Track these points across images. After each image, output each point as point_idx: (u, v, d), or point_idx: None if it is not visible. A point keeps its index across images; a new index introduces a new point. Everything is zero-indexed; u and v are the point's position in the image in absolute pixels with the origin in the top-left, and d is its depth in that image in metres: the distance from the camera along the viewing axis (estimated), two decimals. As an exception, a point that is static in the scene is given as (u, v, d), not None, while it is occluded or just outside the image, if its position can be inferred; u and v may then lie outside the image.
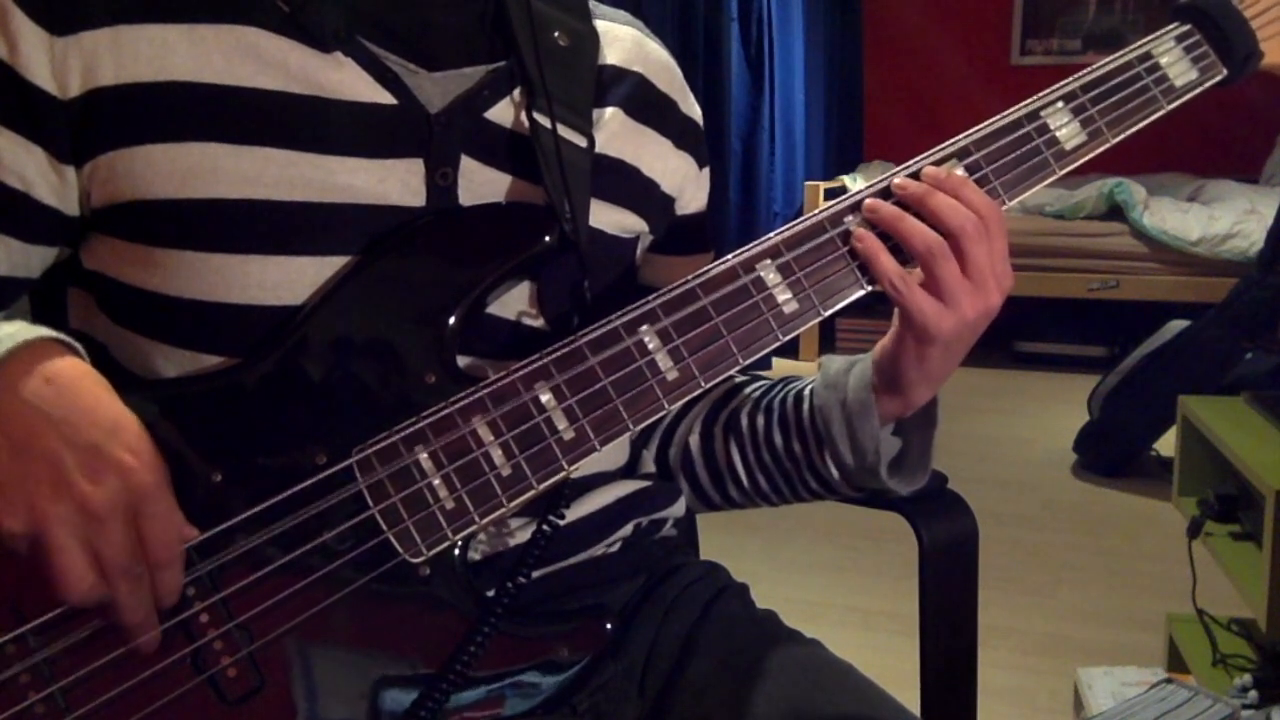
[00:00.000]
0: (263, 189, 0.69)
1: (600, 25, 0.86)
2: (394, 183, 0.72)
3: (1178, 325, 3.15)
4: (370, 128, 0.72)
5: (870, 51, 5.45)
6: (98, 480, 0.58)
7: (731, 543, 2.56)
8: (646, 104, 0.86)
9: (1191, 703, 1.48)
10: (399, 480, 0.66)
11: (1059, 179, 0.79)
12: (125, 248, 0.70)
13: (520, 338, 0.76)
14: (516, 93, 0.78)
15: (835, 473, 0.84)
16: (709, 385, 0.72)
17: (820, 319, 0.74)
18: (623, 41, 0.87)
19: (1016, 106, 0.79)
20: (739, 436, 0.88)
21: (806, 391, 0.85)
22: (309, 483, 0.65)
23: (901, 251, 0.74)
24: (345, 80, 0.72)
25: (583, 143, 0.79)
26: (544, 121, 0.76)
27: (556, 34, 0.80)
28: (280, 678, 0.64)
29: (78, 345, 0.65)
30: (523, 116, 0.77)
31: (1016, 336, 4.58)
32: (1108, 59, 0.81)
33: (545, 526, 0.72)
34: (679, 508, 0.89)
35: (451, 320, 0.70)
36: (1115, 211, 4.26)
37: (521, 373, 0.69)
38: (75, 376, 0.62)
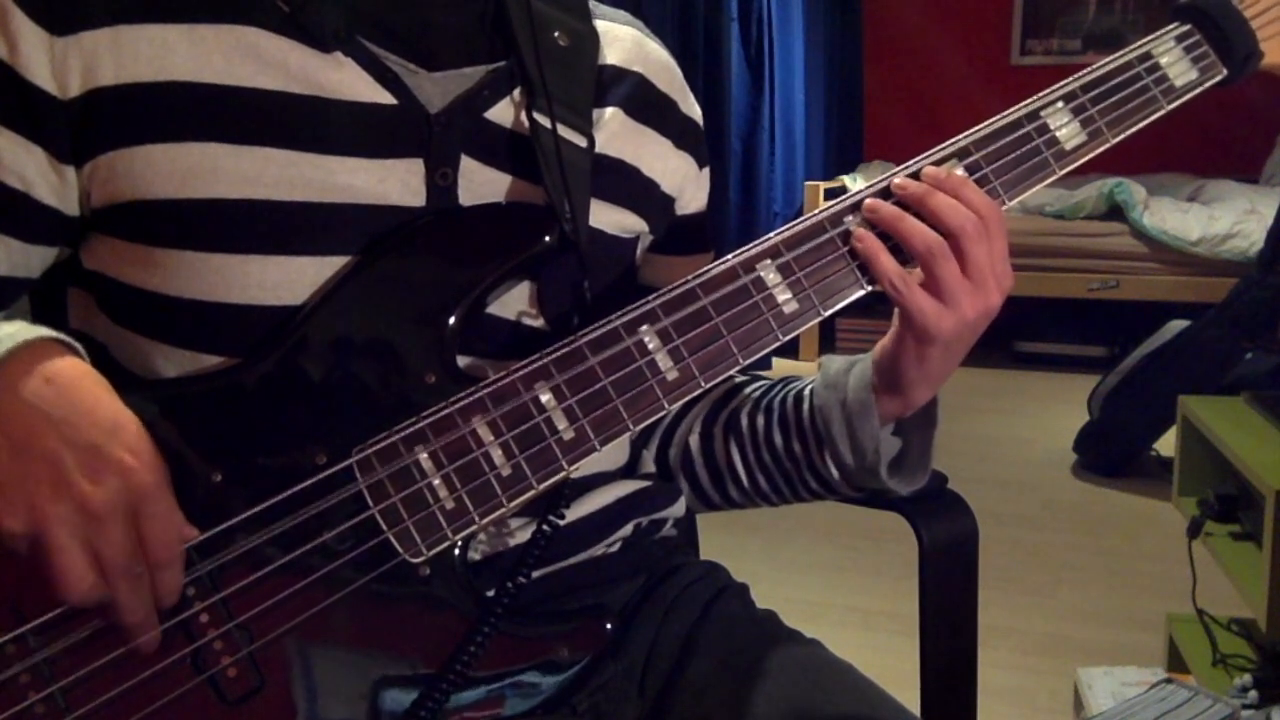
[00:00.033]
0: (263, 189, 0.69)
1: (600, 25, 0.86)
2: (394, 183, 0.72)
3: (1178, 325, 3.15)
4: (370, 128, 0.72)
5: (870, 51, 5.45)
6: (98, 480, 0.58)
7: (731, 543, 2.56)
8: (646, 104, 0.86)
9: (1191, 703, 1.48)
10: (399, 480, 0.66)
11: (1059, 179, 0.79)
12: (125, 248, 0.70)
13: (520, 338, 0.76)
14: (516, 93, 0.78)
15: (835, 473, 0.84)
16: (709, 385, 0.72)
17: (820, 319, 0.74)
18: (623, 41, 0.87)
19: (1016, 106, 0.79)
20: (739, 436, 0.88)
21: (806, 391, 0.85)
22: (309, 483, 0.65)
23: (901, 251, 0.74)
24: (345, 80, 0.72)
25: (583, 143, 0.79)
26: (544, 121, 0.76)
27: (556, 34, 0.80)
28: (280, 678, 0.64)
29: (78, 345, 0.65)
30: (523, 116, 0.77)
31: (1016, 336, 4.58)
32: (1108, 59, 0.81)
33: (545, 526, 0.72)
34: (679, 508, 0.89)
35: (451, 320, 0.70)
36: (1115, 211, 4.26)
37: (521, 373, 0.69)
38: (75, 376, 0.62)
